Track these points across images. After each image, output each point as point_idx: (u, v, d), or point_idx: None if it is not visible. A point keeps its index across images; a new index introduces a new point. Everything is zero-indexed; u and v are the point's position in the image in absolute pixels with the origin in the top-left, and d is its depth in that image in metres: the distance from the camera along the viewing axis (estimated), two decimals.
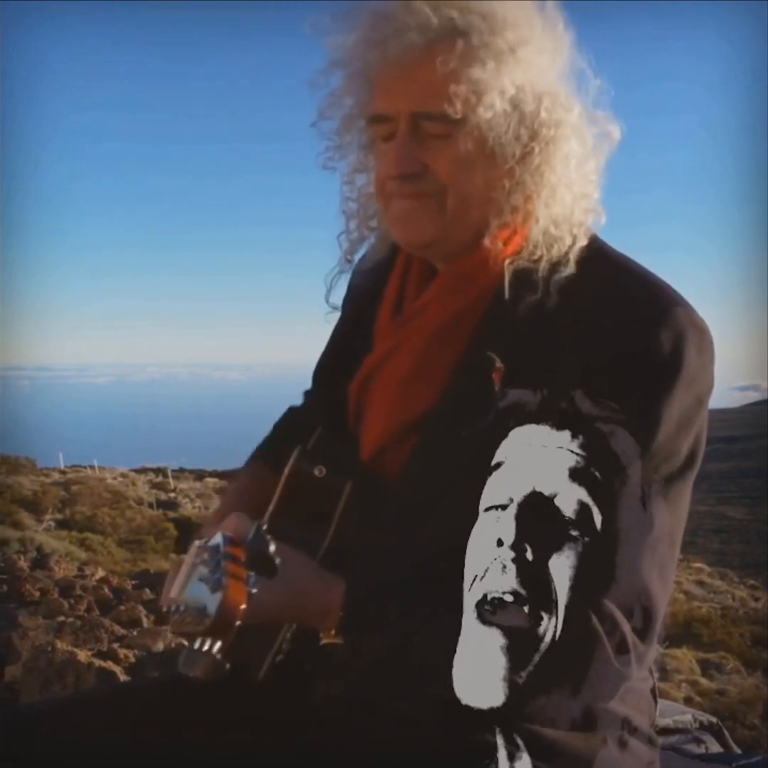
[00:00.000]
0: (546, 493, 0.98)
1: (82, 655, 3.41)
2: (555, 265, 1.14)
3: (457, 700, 1.01)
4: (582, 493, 0.98)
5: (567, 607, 0.96)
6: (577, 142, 1.16)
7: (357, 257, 1.35)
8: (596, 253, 1.16)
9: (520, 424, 1.04)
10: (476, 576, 1.00)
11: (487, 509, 1.02)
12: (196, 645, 0.92)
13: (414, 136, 1.13)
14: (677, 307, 1.09)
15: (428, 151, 1.14)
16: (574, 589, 0.96)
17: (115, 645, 3.90)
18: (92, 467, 19.53)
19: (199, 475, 20.78)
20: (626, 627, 1.00)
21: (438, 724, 1.07)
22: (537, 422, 1.02)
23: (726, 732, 1.91)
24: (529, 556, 0.96)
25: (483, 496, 1.03)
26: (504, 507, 1.00)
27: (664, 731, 1.83)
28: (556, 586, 0.96)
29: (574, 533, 0.97)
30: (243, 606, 0.93)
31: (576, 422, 1.01)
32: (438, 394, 1.16)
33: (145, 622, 4.63)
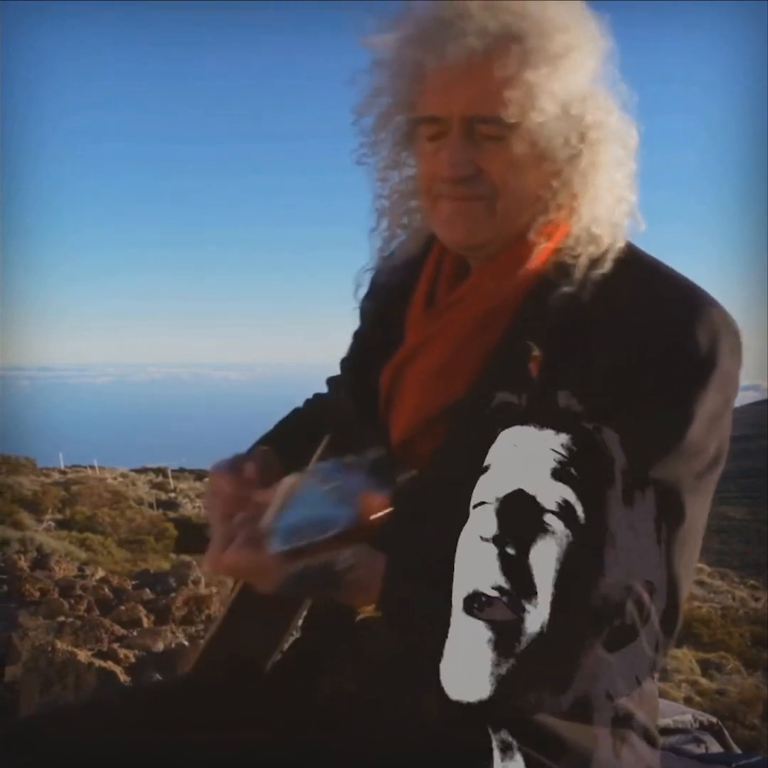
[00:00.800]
0: (529, 490, 0.99)
1: (82, 655, 3.41)
2: (593, 263, 1.16)
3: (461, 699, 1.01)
4: (566, 491, 0.99)
5: (552, 601, 0.97)
6: (618, 145, 1.19)
7: (388, 254, 1.35)
8: (630, 255, 1.18)
9: (507, 426, 1.05)
10: (464, 572, 1.01)
11: (475, 506, 1.03)
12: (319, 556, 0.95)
13: (467, 138, 1.15)
14: (712, 307, 1.11)
15: (482, 153, 1.15)
16: (558, 583, 0.97)
17: (115, 645, 3.91)
18: (92, 467, 19.55)
19: (199, 475, 20.78)
20: (616, 622, 1.01)
21: (439, 725, 1.07)
22: (522, 423, 1.03)
23: (726, 732, 1.91)
24: (511, 550, 0.97)
25: (473, 495, 1.04)
26: (488, 504, 1.01)
27: (664, 731, 1.83)
28: (539, 580, 0.97)
29: (557, 528, 0.98)
30: (386, 510, 0.96)
31: (559, 421, 1.02)
32: (472, 382, 1.18)
33: (145, 622, 4.63)
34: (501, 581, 0.96)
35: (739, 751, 1.92)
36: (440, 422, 1.19)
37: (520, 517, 0.98)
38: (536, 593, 0.96)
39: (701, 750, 1.82)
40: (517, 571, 0.97)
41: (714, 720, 1.94)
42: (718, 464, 1.12)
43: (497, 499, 0.99)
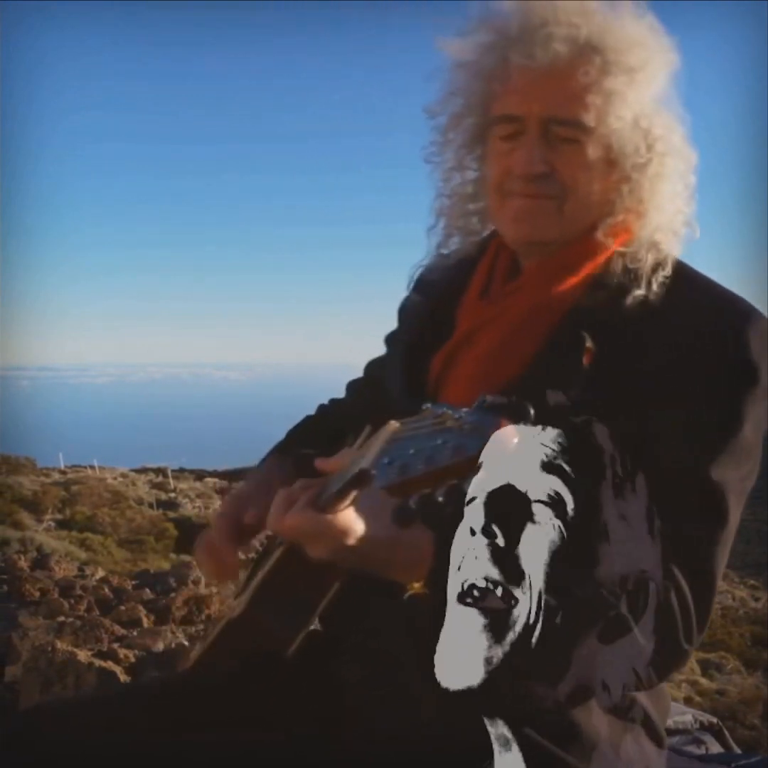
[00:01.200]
0: (518, 485, 1.01)
1: (82, 655, 3.42)
2: (654, 267, 1.21)
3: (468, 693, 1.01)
4: (555, 482, 1.00)
5: (544, 591, 0.97)
6: (680, 160, 1.24)
7: (446, 251, 1.39)
8: (681, 266, 1.23)
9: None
10: (456, 567, 1.01)
11: (467, 503, 1.04)
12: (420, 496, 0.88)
13: (543, 138, 1.20)
14: (763, 318, 1.17)
15: (557, 154, 1.20)
16: (549, 573, 0.98)
17: (115, 645, 3.91)
18: (92, 467, 19.54)
19: (199, 475, 20.80)
20: (610, 613, 1.01)
21: (441, 723, 1.07)
22: (511, 420, 1.04)
23: (726, 732, 1.91)
24: (500, 541, 0.98)
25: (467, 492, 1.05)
26: (477, 499, 1.02)
27: (665, 732, 1.83)
28: (530, 569, 0.98)
29: (546, 519, 0.99)
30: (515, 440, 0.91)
31: (547, 416, 1.03)
32: (525, 369, 1.21)
33: (145, 622, 4.63)
34: (492, 572, 0.97)
35: (739, 751, 1.92)
36: None
37: (508, 509, 0.99)
38: (526, 582, 0.97)
39: (701, 750, 1.82)
40: (506, 561, 0.98)
41: (714, 720, 1.94)
42: (754, 472, 1.16)
43: (486, 492, 1.00)
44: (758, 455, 1.16)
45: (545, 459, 1.01)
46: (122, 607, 4.81)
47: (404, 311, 1.51)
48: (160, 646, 4.02)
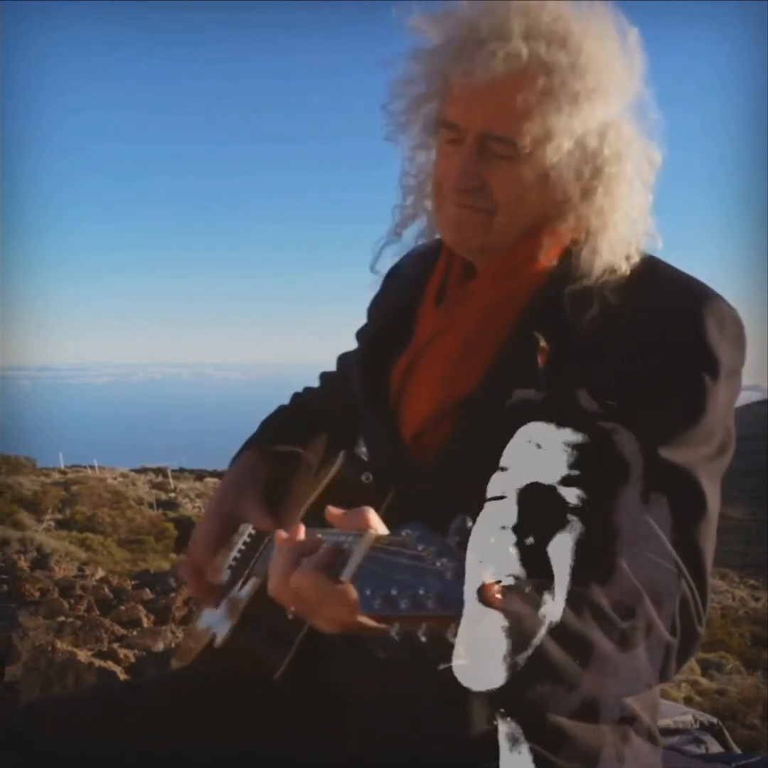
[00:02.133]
0: (547, 484, 1.01)
1: (82, 655, 3.42)
2: (601, 272, 1.18)
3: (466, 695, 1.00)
4: (581, 489, 1.00)
5: (568, 596, 0.97)
6: (635, 175, 1.20)
7: (406, 232, 1.37)
8: (641, 256, 1.20)
9: (525, 422, 1.07)
10: (479, 561, 1.00)
11: (491, 499, 1.04)
12: (422, 631, 0.82)
13: (479, 152, 1.18)
14: (718, 300, 1.15)
15: (490, 168, 1.18)
16: (573, 578, 0.97)
17: (115, 645, 3.90)
18: (92, 467, 19.54)
19: (199, 475, 20.79)
20: (625, 624, 1.01)
21: (442, 725, 1.07)
22: (541, 420, 1.04)
23: (726, 732, 1.91)
24: (530, 540, 0.98)
25: (488, 489, 1.05)
26: (504, 497, 1.02)
27: (664, 731, 1.83)
28: (556, 572, 0.98)
29: (574, 522, 0.99)
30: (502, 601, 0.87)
31: (578, 420, 1.04)
32: (483, 374, 1.20)
33: (145, 622, 4.63)
34: (518, 570, 0.96)
35: (739, 751, 1.92)
36: (452, 415, 1.21)
37: (541, 509, 0.98)
38: (553, 586, 0.96)
39: (701, 750, 1.82)
40: (535, 562, 0.97)
41: (714, 720, 1.94)
42: (726, 451, 1.15)
43: (517, 490, 1.00)
44: (723, 435, 1.14)
45: (575, 463, 1.01)
46: (122, 607, 4.80)
47: (371, 309, 1.51)
48: (160, 646, 4.02)
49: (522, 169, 1.16)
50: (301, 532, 1.02)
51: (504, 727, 1.04)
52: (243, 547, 1.44)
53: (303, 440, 1.50)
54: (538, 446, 1.03)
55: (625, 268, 1.18)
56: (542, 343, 1.15)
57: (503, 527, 1.01)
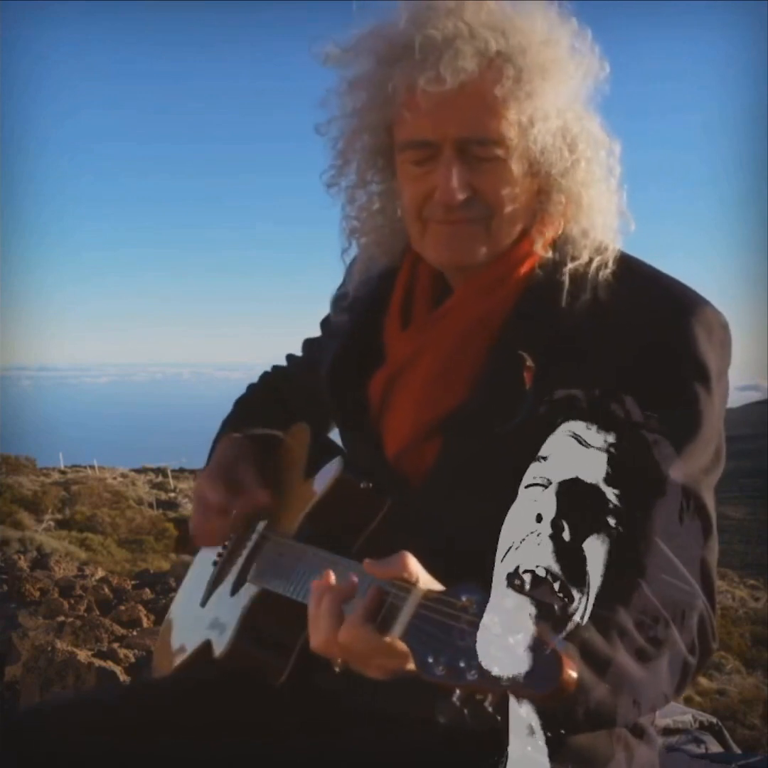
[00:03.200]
0: (588, 481, 0.98)
1: (82, 655, 3.41)
2: (584, 268, 1.16)
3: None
4: (619, 493, 0.97)
5: (597, 596, 0.95)
6: (605, 152, 1.19)
7: (362, 271, 1.34)
8: (621, 260, 1.18)
9: (569, 419, 1.03)
10: (511, 547, 0.98)
11: (528, 486, 1.01)
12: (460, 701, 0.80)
13: (462, 160, 1.13)
14: (702, 306, 1.13)
15: (478, 175, 1.14)
16: (605, 579, 0.95)
17: (115, 645, 3.90)
18: (92, 467, 19.53)
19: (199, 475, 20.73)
20: (650, 633, 1.00)
21: (441, 727, 1.07)
22: (585, 420, 1.01)
23: (726, 732, 1.91)
24: (566, 535, 0.95)
25: (525, 477, 1.01)
26: (545, 486, 0.99)
27: (665, 731, 1.83)
28: (590, 570, 0.95)
29: (612, 523, 0.96)
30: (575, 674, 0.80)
31: (623, 426, 1.01)
32: (466, 394, 1.17)
33: (145, 622, 4.62)
34: (553, 565, 0.94)
35: (738, 751, 1.92)
36: (435, 435, 1.19)
37: (579, 505, 0.96)
38: (587, 584, 0.94)
39: (701, 750, 1.82)
40: (570, 557, 0.95)
41: (714, 720, 1.94)
42: (721, 456, 1.14)
43: (556, 482, 0.97)
44: (718, 440, 1.13)
45: (614, 469, 0.97)
46: (122, 607, 4.80)
47: (327, 325, 1.48)
48: None
49: (512, 166, 1.13)
50: (333, 578, 0.99)
51: (518, 713, 1.03)
52: (227, 545, 1.44)
53: (282, 423, 1.50)
54: (580, 443, 1.01)
55: (612, 249, 1.17)
56: (529, 363, 1.11)
57: (541, 515, 0.97)
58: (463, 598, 0.86)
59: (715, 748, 1.84)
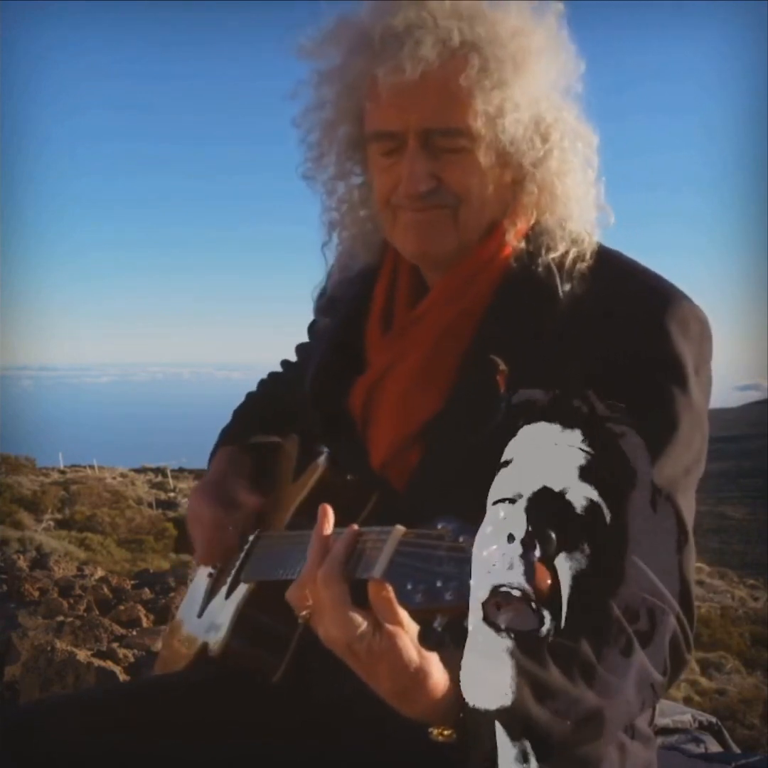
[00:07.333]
0: (556, 489, 0.97)
1: (82, 655, 3.42)
2: (560, 259, 1.15)
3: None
4: (591, 493, 0.96)
5: (571, 607, 0.95)
6: (578, 139, 1.17)
7: (344, 268, 1.33)
8: (598, 254, 1.17)
9: (531, 421, 1.03)
10: (484, 571, 0.99)
11: (496, 503, 1.00)
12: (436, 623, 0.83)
13: (426, 151, 1.12)
14: (681, 301, 1.11)
15: (442, 165, 1.13)
16: (579, 588, 0.94)
17: (115, 645, 3.90)
18: (92, 467, 19.53)
19: (199, 475, 20.75)
20: (630, 630, 0.99)
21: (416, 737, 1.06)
22: (548, 420, 1.01)
23: (725, 732, 1.91)
24: (538, 552, 0.94)
25: (491, 490, 1.01)
26: (513, 501, 0.98)
27: (664, 731, 1.83)
28: (562, 585, 0.94)
29: (583, 531, 0.95)
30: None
31: (587, 422, 1.00)
32: (442, 402, 1.16)
33: (145, 622, 4.63)
34: (524, 583, 0.91)
35: (738, 751, 1.92)
36: (416, 442, 1.18)
37: (550, 519, 0.95)
38: (559, 599, 0.93)
39: (700, 750, 1.82)
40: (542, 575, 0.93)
41: (713, 720, 1.94)
42: (702, 454, 1.11)
43: (525, 497, 0.96)
44: (700, 438, 1.10)
45: (584, 466, 0.97)
46: (122, 607, 4.80)
47: (313, 330, 1.48)
48: (159, 646, 4.02)
49: (479, 157, 1.12)
50: (329, 521, 1.00)
51: (515, 744, 1.02)
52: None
53: (279, 429, 1.50)
54: (545, 444, 1.00)
55: (589, 242, 1.15)
56: (502, 367, 1.10)
57: (512, 535, 0.97)
58: (439, 526, 0.88)
59: (715, 747, 1.84)
